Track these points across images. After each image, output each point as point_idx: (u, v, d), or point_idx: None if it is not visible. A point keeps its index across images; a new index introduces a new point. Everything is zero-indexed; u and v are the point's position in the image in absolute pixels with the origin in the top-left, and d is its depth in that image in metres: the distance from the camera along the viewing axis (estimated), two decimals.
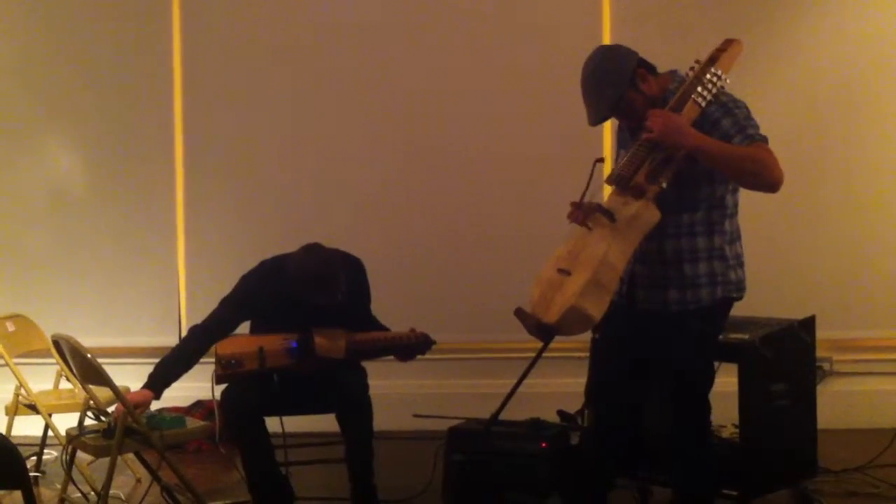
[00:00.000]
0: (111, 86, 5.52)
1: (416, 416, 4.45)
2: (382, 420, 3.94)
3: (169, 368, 3.80)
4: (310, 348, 3.76)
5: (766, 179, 3.01)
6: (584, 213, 3.15)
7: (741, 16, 5.29)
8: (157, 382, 3.76)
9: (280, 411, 3.89)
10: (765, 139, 3.05)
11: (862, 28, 5.36)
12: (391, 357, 3.95)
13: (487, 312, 5.12)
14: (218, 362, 3.79)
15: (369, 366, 4.04)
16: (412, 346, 3.88)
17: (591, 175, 3.18)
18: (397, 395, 4.73)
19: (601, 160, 3.19)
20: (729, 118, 3.07)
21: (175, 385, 5.45)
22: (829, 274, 5.34)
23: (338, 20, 5.50)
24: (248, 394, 3.80)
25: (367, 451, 3.88)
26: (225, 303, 3.91)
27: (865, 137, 5.39)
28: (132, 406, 3.62)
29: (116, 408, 3.67)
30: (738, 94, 3.18)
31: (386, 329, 4.00)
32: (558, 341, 3.21)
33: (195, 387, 5.16)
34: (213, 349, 3.84)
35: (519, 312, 3.13)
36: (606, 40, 5.29)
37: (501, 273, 5.24)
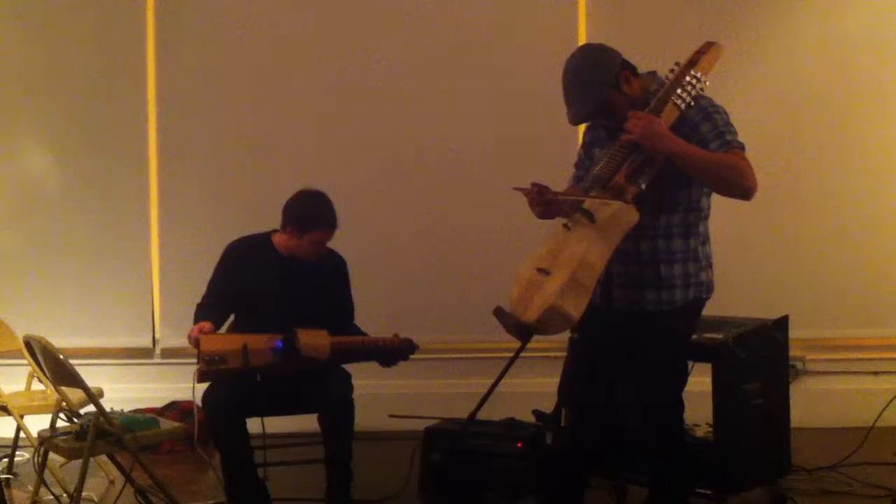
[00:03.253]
0: (84, 86, 5.47)
1: (392, 416, 4.44)
2: (359, 420, 3.93)
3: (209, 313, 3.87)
4: (294, 348, 3.74)
5: (740, 188, 3.05)
6: (540, 194, 3.16)
7: (718, 18, 5.33)
8: (208, 317, 3.82)
9: (262, 412, 3.87)
10: (742, 146, 3.08)
11: (839, 30, 5.41)
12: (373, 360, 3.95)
13: (464, 312, 5.13)
14: (202, 359, 3.76)
15: (345, 366, 4.03)
16: (395, 351, 3.88)
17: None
18: (374, 395, 4.71)
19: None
20: (707, 123, 3.10)
21: (150, 385, 5.44)
22: (802, 274, 5.39)
23: (316, 20, 5.48)
24: (231, 394, 3.78)
25: (347, 453, 3.89)
26: (214, 274, 3.99)
27: (839, 139, 5.44)
28: (97, 406, 3.60)
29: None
30: (715, 95, 3.20)
31: (365, 335, 4.00)
32: (534, 341, 3.21)
33: (170, 387, 5.16)
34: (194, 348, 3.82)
35: (498, 312, 3.13)
36: (582, 41, 5.30)
37: (479, 273, 5.24)
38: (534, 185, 3.18)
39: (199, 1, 5.51)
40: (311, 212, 3.90)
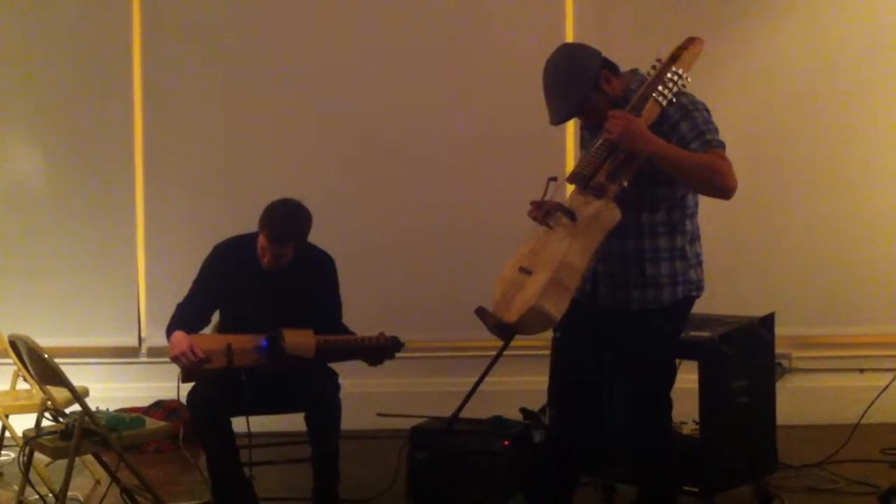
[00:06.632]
0: (70, 83, 5.44)
1: (379, 414, 4.44)
2: (346, 419, 3.92)
3: (185, 322, 3.81)
4: (279, 347, 3.74)
5: (720, 187, 3.05)
6: (543, 211, 3.16)
7: (702, 14, 5.33)
8: (182, 327, 3.77)
9: (248, 411, 3.86)
10: (722, 145, 3.08)
11: (823, 27, 5.41)
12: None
13: (450, 311, 5.12)
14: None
15: (332, 365, 4.03)
16: (381, 350, 3.88)
17: (545, 193, 3.19)
18: (360, 394, 4.71)
19: (554, 179, 3.20)
20: (687, 121, 3.09)
21: (135, 385, 5.42)
22: (788, 272, 5.40)
23: (300, 21, 5.46)
24: (216, 393, 3.77)
25: (334, 452, 3.87)
26: (199, 274, 3.96)
27: (825, 136, 5.44)
28: (86, 407, 3.57)
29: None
30: (698, 92, 3.20)
31: (353, 334, 3.99)
32: (523, 339, 3.21)
33: (156, 387, 5.15)
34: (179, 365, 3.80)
35: (480, 311, 3.13)
36: (569, 37, 5.30)
37: (464, 272, 5.23)
38: (532, 203, 3.18)
39: (185, 3, 5.48)
40: (264, 216, 3.85)
